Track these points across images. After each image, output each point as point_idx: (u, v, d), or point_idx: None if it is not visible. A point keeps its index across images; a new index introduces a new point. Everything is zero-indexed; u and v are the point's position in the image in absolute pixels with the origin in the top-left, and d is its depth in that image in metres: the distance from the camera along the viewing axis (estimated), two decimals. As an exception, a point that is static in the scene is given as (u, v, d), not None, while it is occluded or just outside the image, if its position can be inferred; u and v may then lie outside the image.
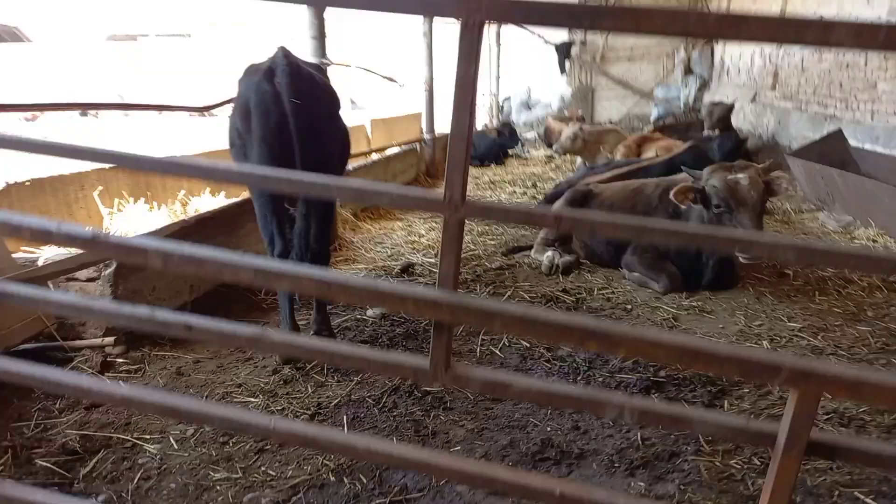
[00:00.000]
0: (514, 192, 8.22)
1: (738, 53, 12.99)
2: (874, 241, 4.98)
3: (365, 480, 2.33)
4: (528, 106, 18.04)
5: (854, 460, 1.17)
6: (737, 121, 11.55)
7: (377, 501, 2.24)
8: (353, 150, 8.95)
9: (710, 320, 3.70)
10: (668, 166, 5.77)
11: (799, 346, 3.29)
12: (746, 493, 2.16)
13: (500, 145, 10.85)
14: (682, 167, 5.34)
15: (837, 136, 6.67)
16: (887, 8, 6.72)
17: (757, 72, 11.60)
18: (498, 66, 15.99)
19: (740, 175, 3.70)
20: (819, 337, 3.37)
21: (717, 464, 2.31)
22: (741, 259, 3.74)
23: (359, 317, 3.95)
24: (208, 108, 4.18)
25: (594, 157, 9.67)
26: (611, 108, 16.63)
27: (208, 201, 5.11)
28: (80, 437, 2.61)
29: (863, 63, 7.37)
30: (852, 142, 7.15)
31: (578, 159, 9.93)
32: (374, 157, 8.13)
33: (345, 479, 2.35)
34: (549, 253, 4.80)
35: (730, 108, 9.46)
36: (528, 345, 3.40)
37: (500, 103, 17.15)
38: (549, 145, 12.20)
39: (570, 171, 9.82)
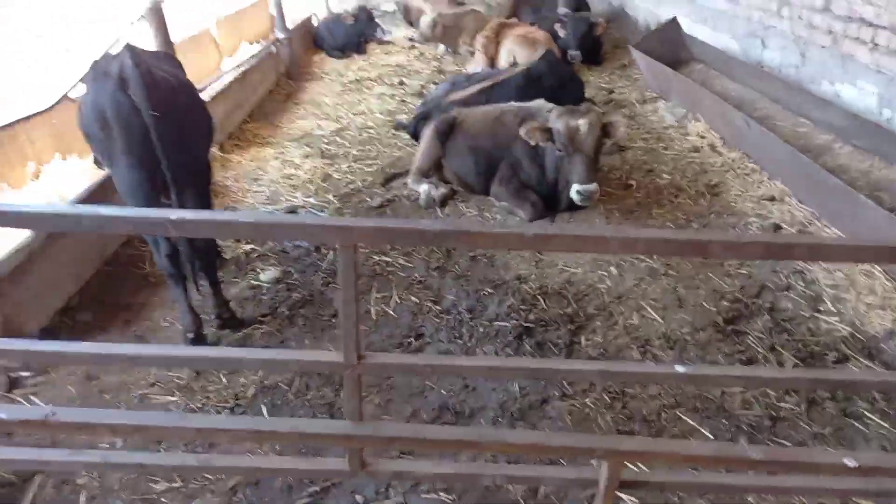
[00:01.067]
0: (383, 94, 8.15)
1: None
2: (702, 136, 5.69)
3: (297, 475, 2.72)
4: (382, -31, 16.89)
5: (652, 488, 1.70)
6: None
7: (309, 489, 2.66)
8: (203, 62, 8.35)
9: (569, 248, 4.25)
10: (526, 77, 6.04)
11: (638, 269, 3.94)
12: (599, 430, 2.81)
13: (360, 32, 10.41)
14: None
15: (673, 24, 7.17)
16: None
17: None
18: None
19: (581, 121, 4.09)
20: (654, 257, 4.03)
21: (576, 406, 2.93)
22: (577, 202, 4.23)
23: (253, 282, 4.12)
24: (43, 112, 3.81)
25: (455, 44, 9.65)
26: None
27: (60, 170, 4.77)
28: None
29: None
30: (686, 23, 7.71)
31: (441, 46, 9.86)
32: (226, 68, 7.64)
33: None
34: (426, 186, 5.07)
35: (581, -18, 9.61)
36: (416, 300, 3.80)
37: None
38: (410, 24, 11.86)
39: (432, 58, 9.77)
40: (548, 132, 4.26)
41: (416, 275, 4.08)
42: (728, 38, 6.88)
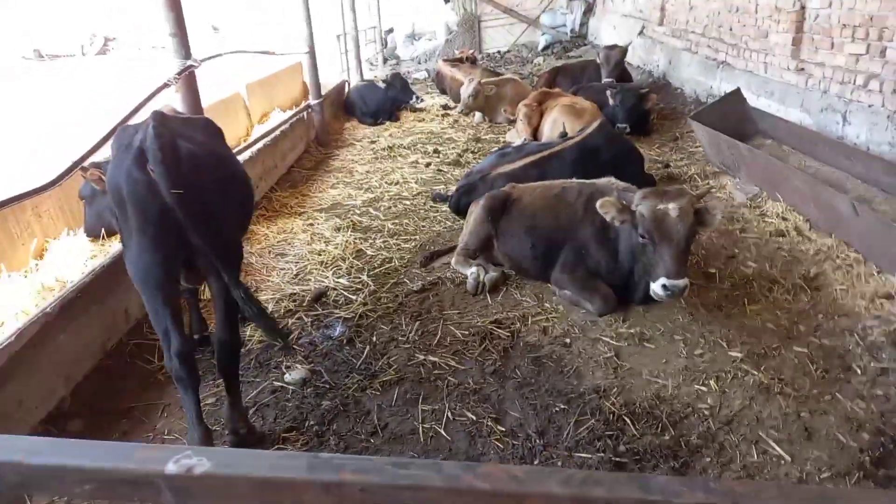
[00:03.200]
0: (417, 163, 7.70)
1: (622, -19, 12.75)
2: (784, 217, 5.05)
3: None
4: (413, 39, 17.07)
5: None
6: (627, 54, 11.47)
7: None
8: (233, 127, 8.02)
9: (651, 352, 3.57)
10: (581, 150, 5.51)
11: (744, 384, 3.23)
12: None
13: (393, 99, 10.13)
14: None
15: (736, 95, 6.68)
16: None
17: (643, 2, 11.44)
18: (377, -4, 14.85)
19: (671, 205, 3.48)
20: (762, 369, 3.32)
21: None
22: (660, 298, 3.58)
23: (276, 384, 3.48)
24: (52, 185, 3.33)
25: (494, 112, 9.29)
26: (498, 37, 16.09)
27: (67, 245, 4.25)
28: None
29: (753, 9, 7.33)
30: (747, 94, 7.22)
31: (477, 114, 9.50)
32: (257, 134, 7.26)
33: None
34: (474, 269, 4.46)
35: (625, 52, 9.30)
36: (473, 417, 3.11)
37: (384, 36, 16.09)
38: (443, 91, 11.63)
39: (467, 126, 9.39)
40: (627, 212, 3.65)
41: (471, 381, 3.40)
42: (799, 112, 6.35)
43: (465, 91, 9.10)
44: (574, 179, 4.65)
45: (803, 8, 6.32)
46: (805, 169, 5.64)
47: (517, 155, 5.63)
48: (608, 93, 7.94)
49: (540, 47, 15.50)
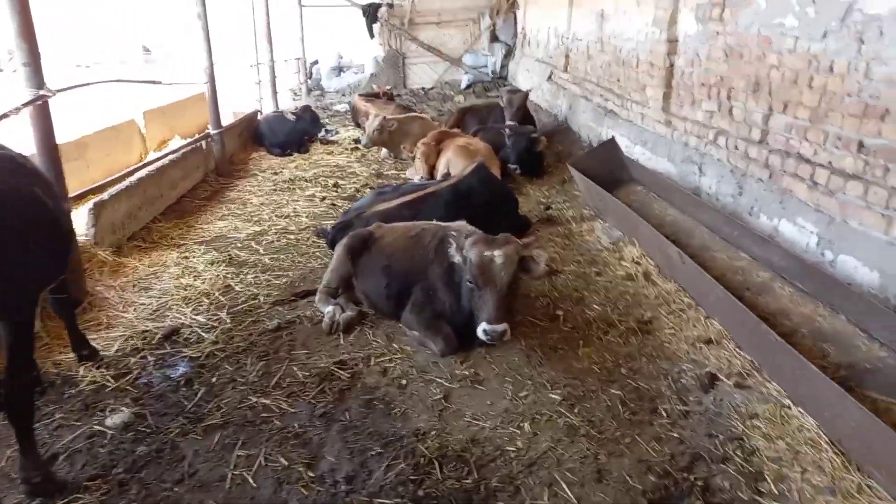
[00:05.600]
0: (314, 195, 7.74)
1: (536, 28, 13.31)
2: (637, 262, 5.33)
3: None
4: (339, 71, 17.22)
5: None
6: (537, 96, 11.96)
7: None
8: (123, 154, 7.86)
9: (480, 393, 3.68)
10: (455, 192, 5.68)
11: (556, 426, 3.36)
12: None
13: (302, 131, 10.17)
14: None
15: (611, 144, 7.05)
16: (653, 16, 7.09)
17: (553, 49, 11.97)
18: (301, 27, 14.96)
19: (496, 252, 3.64)
20: (575, 411, 3.48)
21: None
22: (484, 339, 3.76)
23: (97, 428, 3.38)
24: None
25: (398, 150, 9.45)
26: (422, 74, 16.41)
27: None
28: None
29: (635, 63, 7.80)
30: (626, 142, 7.63)
31: (384, 150, 9.65)
32: (150, 158, 7.14)
33: None
34: (331, 308, 4.51)
35: (526, 96, 9.67)
36: (286, 462, 3.12)
37: (308, 68, 16.17)
38: (358, 125, 11.76)
39: (374, 161, 9.52)
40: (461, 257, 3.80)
41: (296, 424, 3.41)
42: (666, 161, 6.76)
43: (369, 126, 9.25)
44: (434, 222, 4.78)
45: (672, 66, 6.78)
46: (664, 216, 5.99)
47: (394, 194, 5.75)
48: (505, 134, 8.25)
49: (462, 86, 15.91)
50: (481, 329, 3.64)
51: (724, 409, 3.49)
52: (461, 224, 4.50)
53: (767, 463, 3.08)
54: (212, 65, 8.16)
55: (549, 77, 11.79)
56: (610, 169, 6.89)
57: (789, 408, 3.40)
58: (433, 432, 3.34)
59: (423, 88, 16.24)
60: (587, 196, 6.80)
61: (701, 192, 6.00)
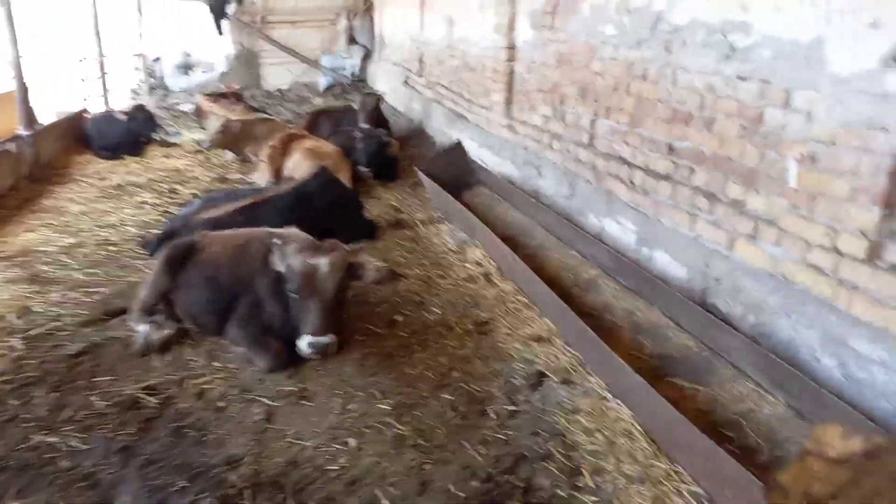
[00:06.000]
0: (145, 203, 7.06)
1: (392, 31, 13.26)
2: (479, 264, 5.37)
3: None
4: (186, 69, 16.10)
5: None
6: (394, 100, 11.90)
7: None
8: None
9: (306, 410, 3.46)
10: (295, 197, 5.41)
11: (384, 438, 3.23)
12: None
13: (134, 132, 9.29)
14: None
15: (458, 148, 7.12)
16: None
17: (408, 53, 11.96)
18: (140, 20, 13.84)
19: (321, 260, 3.45)
20: (404, 420, 3.37)
21: None
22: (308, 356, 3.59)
23: None
24: None
25: (243, 153, 8.94)
26: (278, 75, 15.77)
27: None
28: None
29: (481, 69, 7.94)
30: (475, 146, 7.75)
31: (229, 153, 9.08)
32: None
33: None
34: (146, 327, 4.07)
35: (379, 99, 9.55)
36: (70, 508, 2.71)
37: (149, 66, 14.99)
38: (203, 127, 11.01)
39: (218, 165, 8.92)
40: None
41: (88, 463, 3.00)
42: (510, 164, 6.92)
43: (210, 125, 8.67)
44: (265, 229, 4.49)
45: (512, 72, 6.96)
46: (507, 217, 6.12)
47: (225, 201, 5.36)
48: (356, 137, 8.05)
49: (321, 88, 15.51)
50: (305, 342, 3.43)
51: (550, 405, 3.54)
52: (292, 231, 4.24)
53: (586, 457, 3.15)
54: (18, 56, 7.23)
55: (406, 82, 11.76)
56: (458, 172, 6.93)
57: (608, 400, 3.52)
58: (248, 458, 3.08)
59: (279, 90, 15.63)
60: (435, 199, 6.79)
61: (540, 194, 6.19)
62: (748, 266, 3.69)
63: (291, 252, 3.54)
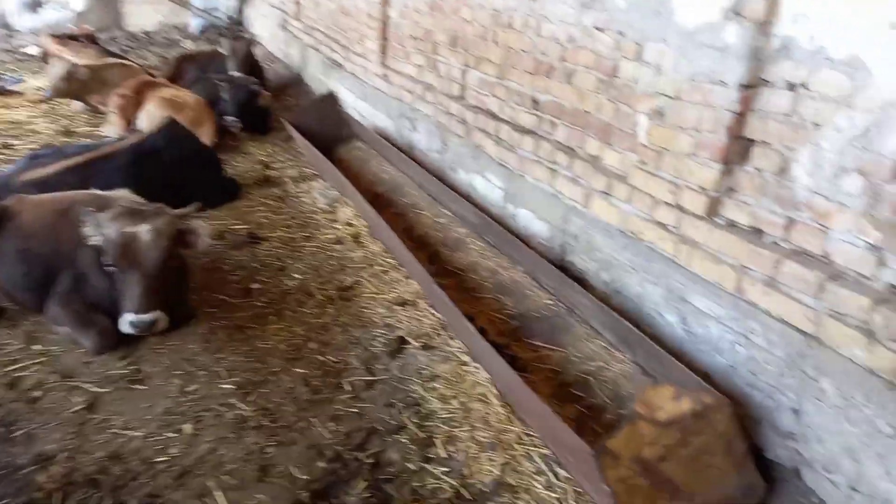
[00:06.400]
0: (-31, 161, 6.17)
1: (268, -31, 12.27)
2: (350, 224, 5.11)
3: None
4: (35, 6, 14.24)
5: None
6: (272, 45, 11.11)
7: None
8: None
9: (138, 395, 3.14)
10: (137, 152, 4.86)
11: (224, 422, 2.99)
12: None
13: (-38, 79, 8.11)
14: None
15: (329, 98, 6.70)
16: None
17: (285, -6, 11.13)
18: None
19: (142, 227, 3.07)
20: (249, 400, 3.13)
21: None
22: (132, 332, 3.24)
23: None
24: None
25: (92, 102, 8.02)
26: (142, 15, 14.30)
27: None
28: None
29: (356, 14, 7.46)
30: (350, 96, 7.35)
31: (76, 102, 8.12)
32: None
33: None
34: (-54, 308, 3.53)
35: (250, 43, 8.84)
36: None
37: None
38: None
39: (65, 115, 7.96)
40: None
41: None
42: (385, 117, 6.62)
43: (54, 71, 7.68)
44: (92, 192, 3.97)
45: (388, 17, 6.57)
46: (381, 173, 5.86)
47: (54, 158, 4.72)
48: (222, 86, 7.40)
49: (193, 30, 14.24)
50: (126, 321, 3.08)
51: (408, 373, 3.43)
52: (121, 194, 3.79)
53: (440, 426, 3.07)
54: None
55: (283, 26, 10.97)
56: (331, 125, 6.54)
57: (466, 364, 3.45)
58: (62, 455, 2.74)
59: (145, 32, 14.19)
60: (307, 154, 6.40)
61: (414, 148, 5.97)
62: (601, 223, 3.69)
63: (106, 220, 3.13)
